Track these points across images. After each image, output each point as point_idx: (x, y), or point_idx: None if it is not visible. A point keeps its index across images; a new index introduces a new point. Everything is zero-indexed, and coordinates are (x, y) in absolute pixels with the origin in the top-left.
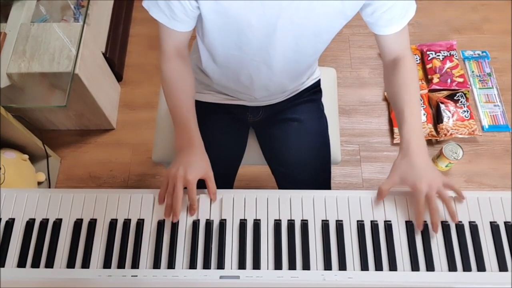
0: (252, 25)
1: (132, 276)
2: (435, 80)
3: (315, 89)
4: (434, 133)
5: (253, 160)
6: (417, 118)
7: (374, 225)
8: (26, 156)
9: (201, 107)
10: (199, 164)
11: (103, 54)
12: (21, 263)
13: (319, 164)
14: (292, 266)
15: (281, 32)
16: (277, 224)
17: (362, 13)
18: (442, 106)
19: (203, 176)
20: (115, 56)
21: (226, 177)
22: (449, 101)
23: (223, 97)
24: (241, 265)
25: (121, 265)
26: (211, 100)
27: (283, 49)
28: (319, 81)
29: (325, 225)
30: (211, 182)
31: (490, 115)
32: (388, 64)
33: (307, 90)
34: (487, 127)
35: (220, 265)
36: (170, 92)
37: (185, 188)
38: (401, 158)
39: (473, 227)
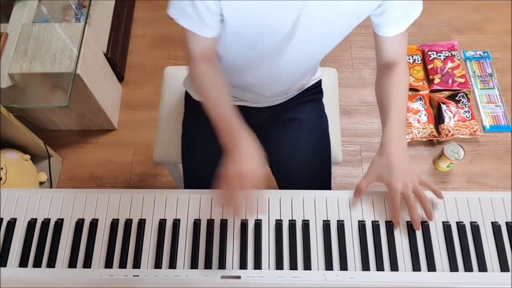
0: (273, 27)
1: (133, 276)
2: (437, 80)
3: (316, 89)
4: (435, 133)
5: None
6: (401, 120)
7: (375, 225)
8: (28, 156)
9: (202, 107)
10: (254, 160)
11: (104, 54)
12: (23, 263)
13: (320, 164)
14: (293, 266)
15: (299, 33)
16: (278, 224)
17: (371, 13)
18: (444, 107)
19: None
20: (116, 57)
21: None
22: (451, 101)
23: None
24: (243, 265)
25: (122, 265)
26: None
27: (297, 50)
28: (320, 81)
29: (326, 225)
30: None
31: (492, 115)
32: (382, 67)
33: (308, 90)
34: (488, 127)
35: (222, 265)
36: (206, 95)
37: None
38: (379, 156)
39: (475, 227)
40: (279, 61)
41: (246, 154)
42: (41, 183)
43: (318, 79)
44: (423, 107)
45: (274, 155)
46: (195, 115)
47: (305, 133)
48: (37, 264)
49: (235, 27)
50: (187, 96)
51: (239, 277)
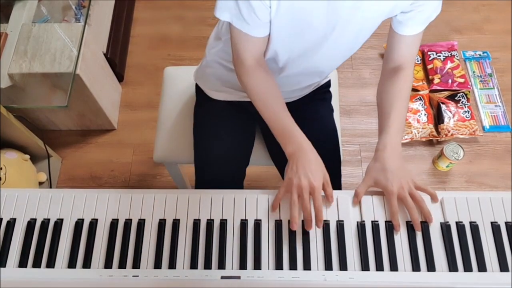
0: (314, 26)
1: (133, 276)
2: (436, 80)
3: (326, 89)
4: (435, 133)
5: (258, 161)
6: (399, 128)
7: (375, 225)
8: (27, 156)
9: (215, 105)
10: (318, 168)
11: (104, 54)
12: (22, 263)
13: (331, 163)
14: (293, 266)
15: (337, 33)
16: (278, 224)
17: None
18: (443, 107)
19: (323, 179)
20: (116, 57)
21: (236, 175)
22: (450, 101)
23: (240, 95)
24: (242, 265)
25: (122, 265)
26: (224, 98)
27: (329, 51)
28: (329, 81)
29: (326, 225)
30: (328, 185)
31: (491, 115)
32: (388, 71)
33: (320, 89)
34: (488, 127)
35: (221, 265)
36: (263, 105)
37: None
38: (374, 161)
39: (474, 227)
40: (306, 63)
41: (308, 167)
42: (40, 183)
43: (328, 78)
44: (422, 107)
45: (281, 151)
46: (207, 109)
47: (318, 132)
48: (37, 264)
49: (283, 25)
50: (199, 90)
51: (238, 277)
